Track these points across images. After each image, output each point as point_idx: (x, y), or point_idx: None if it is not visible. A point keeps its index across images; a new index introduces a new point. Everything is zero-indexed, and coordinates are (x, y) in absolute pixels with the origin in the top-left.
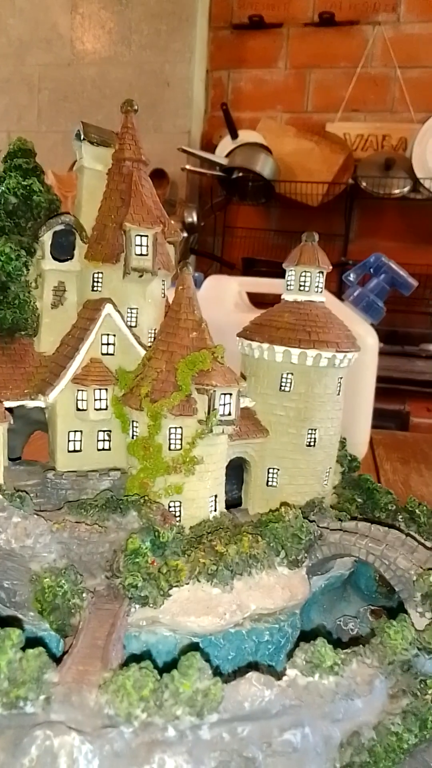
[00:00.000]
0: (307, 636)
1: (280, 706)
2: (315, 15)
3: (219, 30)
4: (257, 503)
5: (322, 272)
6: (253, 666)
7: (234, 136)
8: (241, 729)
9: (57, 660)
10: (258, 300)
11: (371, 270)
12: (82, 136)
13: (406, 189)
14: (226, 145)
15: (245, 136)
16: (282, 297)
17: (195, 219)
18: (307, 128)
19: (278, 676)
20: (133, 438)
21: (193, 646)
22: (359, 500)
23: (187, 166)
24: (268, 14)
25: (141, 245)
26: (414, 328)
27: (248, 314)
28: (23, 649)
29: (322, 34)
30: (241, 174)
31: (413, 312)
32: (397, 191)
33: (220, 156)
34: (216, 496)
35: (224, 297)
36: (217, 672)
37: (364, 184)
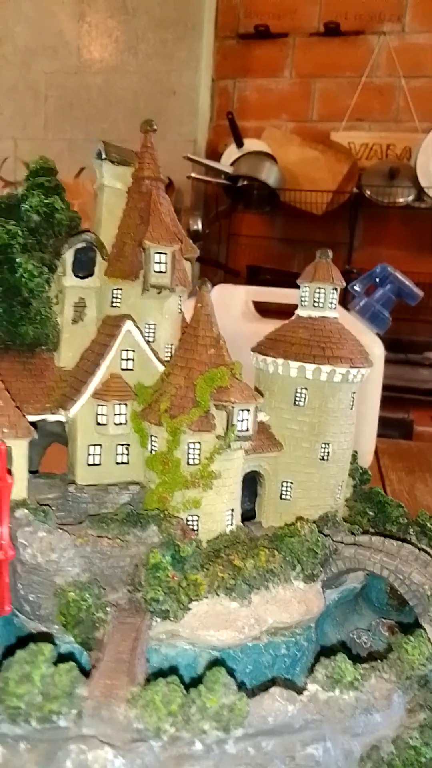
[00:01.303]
0: (322, 649)
1: (302, 720)
2: (321, 25)
3: (225, 39)
4: (271, 516)
5: (336, 289)
6: (273, 681)
7: (239, 144)
8: (266, 743)
9: (85, 673)
10: (262, 308)
11: (377, 280)
12: (103, 156)
13: (410, 198)
14: (231, 153)
15: (250, 144)
16: (296, 312)
17: (200, 227)
18: (312, 137)
19: (298, 690)
20: (151, 452)
21: (218, 662)
22: (371, 513)
23: (193, 174)
24: (274, 24)
25: (160, 262)
26: (418, 337)
27: (255, 323)
28: (55, 663)
29: (328, 43)
30: (246, 182)
31: (417, 320)
32: (401, 200)
33: (225, 164)
34: (232, 510)
35: (231, 306)
36: (238, 685)
37: (368, 192)
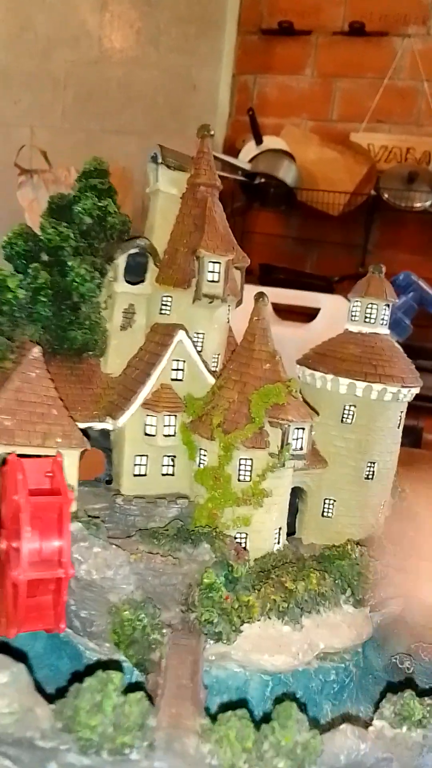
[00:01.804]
0: (367, 676)
1: (373, 759)
2: (345, 24)
3: (247, 35)
4: (312, 533)
5: (389, 305)
6: (342, 717)
7: (259, 141)
8: None
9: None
10: (273, 308)
11: (400, 287)
12: (159, 160)
13: (428, 203)
14: (249, 150)
15: (269, 142)
16: (345, 327)
17: None
18: (331, 137)
19: (365, 725)
20: (200, 466)
21: (287, 695)
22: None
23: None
24: (297, 21)
25: (213, 272)
26: (429, 343)
27: (275, 326)
28: (123, 692)
29: (351, 43)
30: (263, 180)
31: (429, 327)
32: (419, 204)
33: (243, 161)
34: (280, 528)
35: (248, 307)
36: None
37: (386, 195)
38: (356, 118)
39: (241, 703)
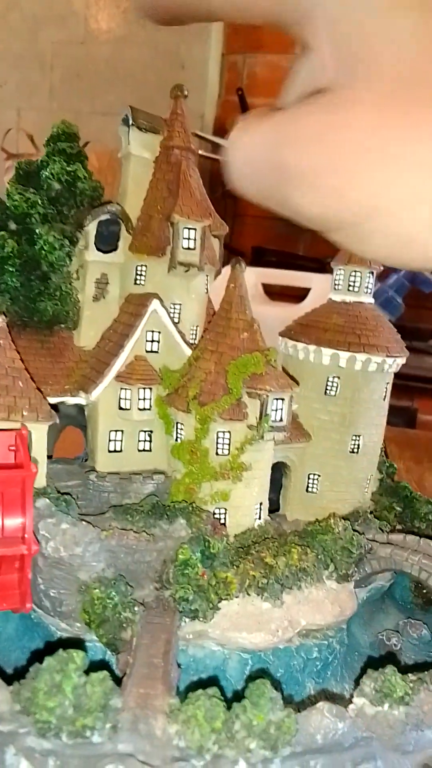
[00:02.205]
0: (352, 653)
1: (352, 738)
2: None
3: None
4: (296, 509)
5: (373, 273)
6: (319, 694)
7: None
8: (314, 762)
9: (114, 678)
10: (266, 290)
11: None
12: (130, 122)
13: None
14: None
15: None
16: (329, 297)
17: None
18: None
19: (344, 703)
20: (177, 441)
21: (261, 673)
22: (397, 509)
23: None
24: None
25: (189, 239)
26: (423, 324)
27: (265, 306)
28: (87, 672)
29: None
30: None
31: (422, 307)
32: None
33: None
34: (261, 504)
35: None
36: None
37: None
38: None
39: (213, 682)
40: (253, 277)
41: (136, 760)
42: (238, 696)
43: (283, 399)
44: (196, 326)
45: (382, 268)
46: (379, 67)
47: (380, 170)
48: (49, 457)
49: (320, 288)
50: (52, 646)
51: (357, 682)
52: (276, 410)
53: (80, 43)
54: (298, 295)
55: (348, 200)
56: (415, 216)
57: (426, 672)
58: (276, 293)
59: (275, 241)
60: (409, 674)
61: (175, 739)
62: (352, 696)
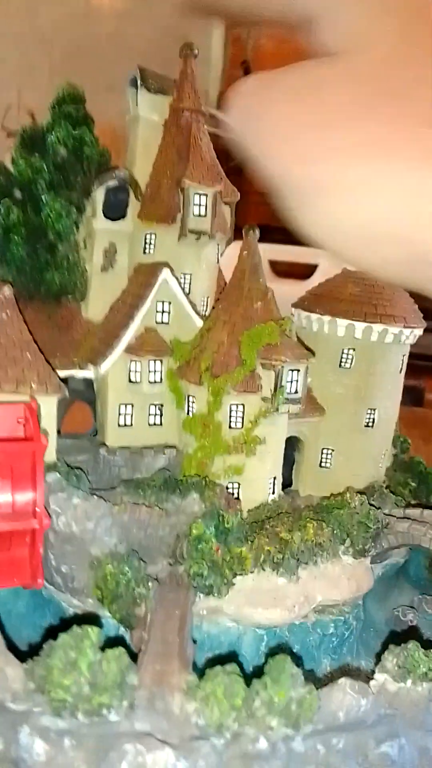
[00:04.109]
0: (368, 629)
1: (375, 715)
2: None
3: None
4: (309, 485)
5: None
6: (341, 670)
7: None
8: (336, 740)
9: (129, 653)
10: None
11: None
12: (138, 82)
13: None
14: None
15: None
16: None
17: None
18: None
19: (366, 679)
20: (189, 414)
21: (281, 648)
22: (412, 484)
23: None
24: None
25: (200, 205)
26: (428, 303)
27: (273, 283)
28: (102, 648)
29: None
30: None
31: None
32: None
33: None
34: (275, 478)
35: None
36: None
37: None
38: None
39: (231, 658)
40: (260, 253)
41: (154, 738)
42: (257, 673)
43: (298, 370)
44: (207, 297)
45: None
46: (361, 55)
47: (339, 137)
48: (58, 432)
49: (327, 264)
50: (65, 623)
51: (378, 658)
52: (291, 382)
53: (81, 20)
54: (303, 273)
55: (309, 163)
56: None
57: None
58: (282, 272)
59: (279, 219)
60: (431, 650)
61: (193, 717)
62: (372, 672)
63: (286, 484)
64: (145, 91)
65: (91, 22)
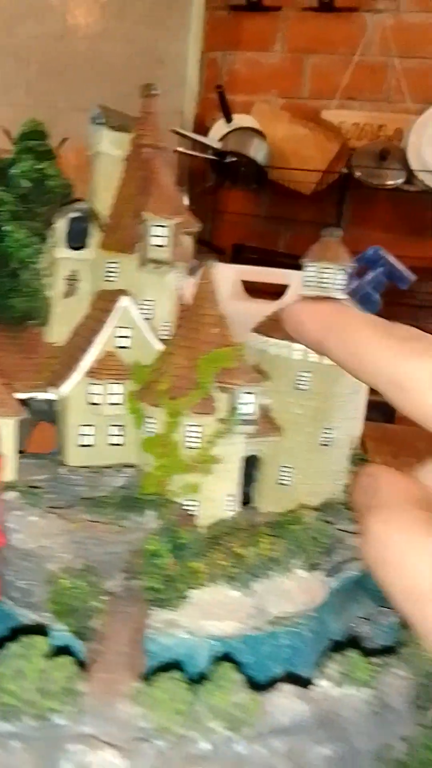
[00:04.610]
0: (323, 641)
1: (315, 719)
2: None
3: (215, 9)
4: (268, 501)
5: (344, 270)
6: (283, 677)
7: (228, 119)
8: (278, 743)
9: (81, 665)
10: (247, 288)
11: (369, 263)
12: (100, 120)
13: (400, 180)
14: (219, 128)
15: (239, 120)
16: (301, 294)
17: (185, 202)
18: (302, 114)
19: (308, 685)
20: (148, 435)
21: (226, 657)
22: None
23: (179, 148)
24: None
25: (159, 236)
26: (401, 319)
27: (244, 303)
28: (51, 657)
29: (321, 19)
30: (234, 158)
31: (400, 304)
32: (391, 182)
33: (213, 139)
34: (233, 496)
35: (220, 285)
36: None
37: (358, 173)
38: (327, 94)
39: (176, 666)
40: (233, 273)
41: (98, 740)
42: (204, 679)
43: (252, 393)
44: (168, 322)
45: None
46: None
47: None
48: (22, 452)
49: (298, 284)
50: (16, 633)
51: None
52: (245, 404)
53: (58, 38)
54: (279, 292)
55: None
56: None
57: (392, 656)
58: (258, 290)
59: (255, 239)
60: (372, 657)
61: (138, 721)
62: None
63: (246, 501)
64: (106, 128)
65: (67, 42)
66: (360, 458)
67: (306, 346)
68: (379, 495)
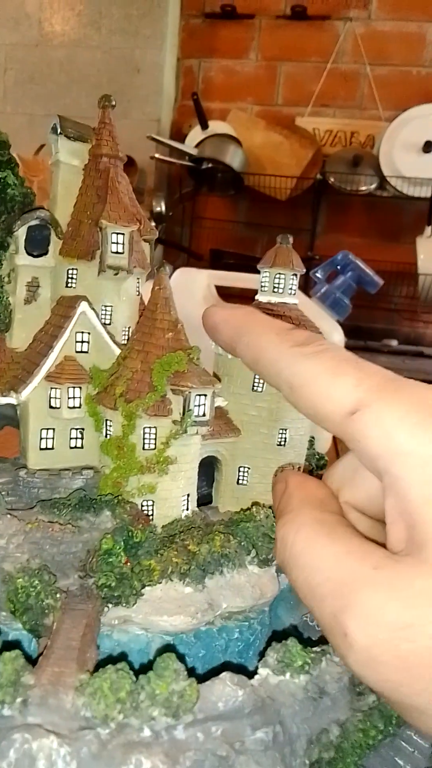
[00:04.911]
0: (276, 633)
1: (252, 705)
2: (287, 8)
3: (191, 18)
4: (228, 501)
5: (296, 275)
6: (227, 666)
7: (204, 126)
8: (215, 728)
9: (32, 661)
10: (225, 293)
11: (338, 267)
12: (58, 130)
13: (372, 186)
14: (196, 135)
15: (215, 126)
16: (255, 298)
17: (163, 209)
18: (277, 121)
19: (250, 675)
20: (106, 437)
21: (168, 648)
22: None
23: (156, 155)
24: (240, 4)
25: (117, 243)
26: (377, 324)
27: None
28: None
29: (294, 27)
30: (210, 165)
31: (376, 308)
32: (364, 188)
33: (189, 146)
34: (188, 495)
35: (193, 290)
36: (190, 670)
37: (332, 179)
38: (301, 102)
39: (122, 658)
40: (205, 278)
41: (43, 729)
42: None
43: (205, 395)
44: (128, 327)
45: (305, 270)
46: None
47: None
48: None
49: None
50: None
51: (261, 655)
52: (199, 406)
53: (34, 46)
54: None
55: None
56: None
57: (329, 645)
58: (236, 295)
59: (233, 244)
60: (308, 647)
61: (82, 711)
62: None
63: (207, 501)
64: (64, 138)
65: (43, 50)
66: (318, 458)
67: (221, 348)
68: (286, 499)
